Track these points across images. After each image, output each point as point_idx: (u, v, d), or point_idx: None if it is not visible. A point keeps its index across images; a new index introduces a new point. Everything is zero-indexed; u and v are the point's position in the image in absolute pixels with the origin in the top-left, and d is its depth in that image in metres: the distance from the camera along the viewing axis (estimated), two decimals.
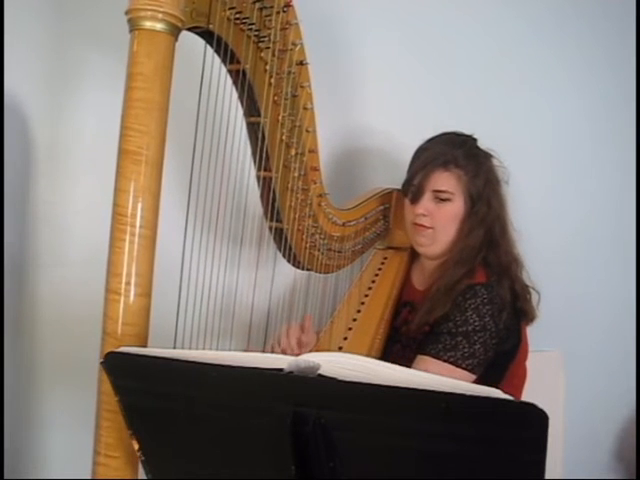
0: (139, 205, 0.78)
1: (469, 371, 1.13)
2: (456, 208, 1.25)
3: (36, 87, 1.29)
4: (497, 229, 1.25)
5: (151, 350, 0.71)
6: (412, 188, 1.28)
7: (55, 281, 1.35)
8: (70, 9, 1.29)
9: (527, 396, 0.65)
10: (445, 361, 1.13)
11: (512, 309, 1.18)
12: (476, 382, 1.13)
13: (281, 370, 0.65)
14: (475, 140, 1.30)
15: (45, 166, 1.32)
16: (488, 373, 1.15)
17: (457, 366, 1.13)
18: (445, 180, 1.24)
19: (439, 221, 1.26)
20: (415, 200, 1.28)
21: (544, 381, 1.52)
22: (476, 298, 1.15)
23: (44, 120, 1.31)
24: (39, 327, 1.35)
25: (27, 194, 1.31)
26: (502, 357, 1.18)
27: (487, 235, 1.24)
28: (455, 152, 1.24)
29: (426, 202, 1.26)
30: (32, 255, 1.33)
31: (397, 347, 1.29)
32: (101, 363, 0.73)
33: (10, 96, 1.25)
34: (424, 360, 1.16)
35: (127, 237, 0.79)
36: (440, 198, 1.25)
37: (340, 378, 0.63)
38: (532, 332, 1.28)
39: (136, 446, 0.77)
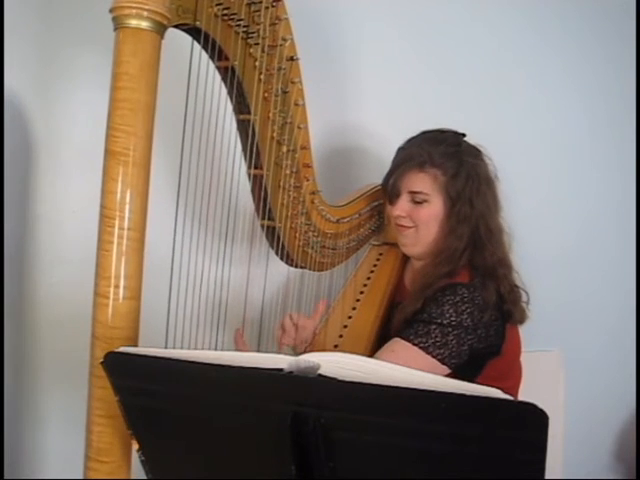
0: (126, 207, 0.78)
1: (439, 361, 1.11)
2: (434, 209, 1.22)
3: (33, 86, 1.28)
4: (482, 229, 1.21)
5: (151, 350, 0.70)
6: (389, 188, 1.27)
7: (55, 281, 1.34)
8: (61, 6, 1.28)
9: (527, 396, 0.65)
10: (415, 345, 1.11)
11: (497, 311, 1.15)
12: (450, 376, 1.11)
13: (281, 370, 0.65)
14: (460, 136, 1.27)
15: (44, 165, 1.31)
16: (462, 368, 1.13)
17: (427, 353, 1.10)
18: (420, 181, 1.22)
19: (419, 221, 1.24)
20: (392, 201, 1.26)
21: (544, 381, 1.52)
22: (455, 295, 1.13)
23: (41, 119, 1.30)
24: (39, 327, 1.35)
25: (27, 194, 1.30)
26: (479, 354, 1.16)
27: (472, 236, 1.21)
28: (432, 150, 1.21)
29: (403, 203, 1.24)
30: (32, 255, 1.32)
31: None
32: (101, 363, 0.72)
33: (9, 95, 1.25)
34: (395, 341, 1.14)
35: (115, 239, 0.78)
36: (415, 200, 1.23)
37: (340, 378, 0.62)
38: (532, 332, 1.27)
39: (136, 446, 0.77)
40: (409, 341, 1.12)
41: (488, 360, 1.17)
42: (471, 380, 1.14)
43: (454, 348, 1.11)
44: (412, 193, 1.23)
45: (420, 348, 1.11)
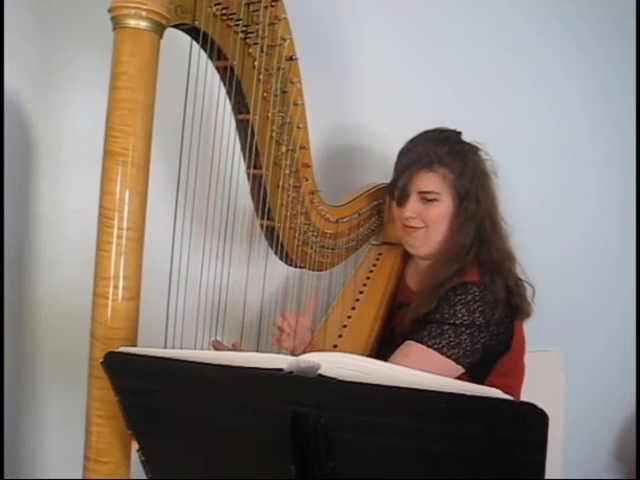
0: (125, 207, 0.77)
1: (454, 360, 1.11)
2: (444, 207, 1.23)
3: (32, 87, 1.28)
4: (487, 225, 1.23)
5: (151, 350, 0.70)
6: (397, 190, 1.27)
7: (54, 281, 1.34)
8: (60, 6, 1.28)
9: (527, 396, 0.65)
10: (429, 347, 1.12)
11: (506, 306, 1.16)
12: (463, 375, 1.12)
13: (281, 370, 0.65)
14: (459, 134, 1.28)
15: (44, 165, 1.31)
16: (475, 366, 1.14)
17: (442, 354, 1.11)
18: (430, 181, 1.23)
19: (429, 220, 1.24)
20: (401, 203, 1.27)
21: (544, 381, 1.51)
22: (467, 294, 1.14)
23: (41, 119, 1.30)
24: (39, 327, 1.34)
25: (27, 194, 1.30)
26: (491, 351, 1.16)
27: (478, 232, 1.23)
28: (438, 150, 1.22)
29: (413, 204, 1.25)
30: (32, 255, 1.32)
31: (393, 348, 1.27)
32: (101, 363, 0.72)
33: (9, 95, 1.24)
34: (409, 344, 1.14)
35: (114, 240, 0.78)
36: (427, 199, 1.23)
37: (340, 378, 0.63)
38: (532, 332, 1.27)
39: (136, 446, 0.77)
40: (423, 343, 1.13)
41: (499, 357, 1.18)
42: (483, 377, 1.14)
43: (468, 347, 1.12)
44: (422, 193, 1.24)
45: (434, 349, 1.12)
